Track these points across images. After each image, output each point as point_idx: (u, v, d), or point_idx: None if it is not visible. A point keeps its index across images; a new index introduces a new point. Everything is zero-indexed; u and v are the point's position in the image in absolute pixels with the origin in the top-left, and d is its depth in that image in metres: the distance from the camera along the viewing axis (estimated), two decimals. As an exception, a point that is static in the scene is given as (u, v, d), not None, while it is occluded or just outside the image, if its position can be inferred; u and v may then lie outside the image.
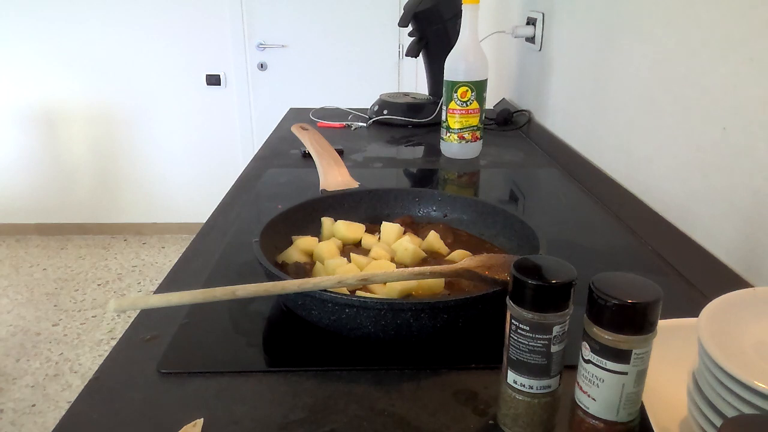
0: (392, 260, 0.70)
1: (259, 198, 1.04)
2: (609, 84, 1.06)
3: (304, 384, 0.54)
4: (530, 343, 0.44)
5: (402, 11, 1.51)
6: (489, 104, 1.79)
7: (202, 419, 0.49)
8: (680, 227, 0.81)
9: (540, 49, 1.46)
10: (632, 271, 0.44)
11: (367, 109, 1.66)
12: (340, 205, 0.82)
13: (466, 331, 0.59)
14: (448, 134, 1.27)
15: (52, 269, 3.18)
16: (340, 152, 1.28)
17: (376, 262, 0.67)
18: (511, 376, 0.46)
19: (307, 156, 1.25)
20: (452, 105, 1.24)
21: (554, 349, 0.44)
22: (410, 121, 1.54)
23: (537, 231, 0.69)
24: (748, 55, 0.67)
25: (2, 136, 3.39)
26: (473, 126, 1.26)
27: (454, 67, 1.22)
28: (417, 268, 0.58)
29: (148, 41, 3.22)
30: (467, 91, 1.22)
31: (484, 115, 1.27)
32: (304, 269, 0.68)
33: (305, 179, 1.12)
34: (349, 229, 0.77)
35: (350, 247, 0.74)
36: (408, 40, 1.55)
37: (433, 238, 0.75)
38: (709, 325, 0.41)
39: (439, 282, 0.64)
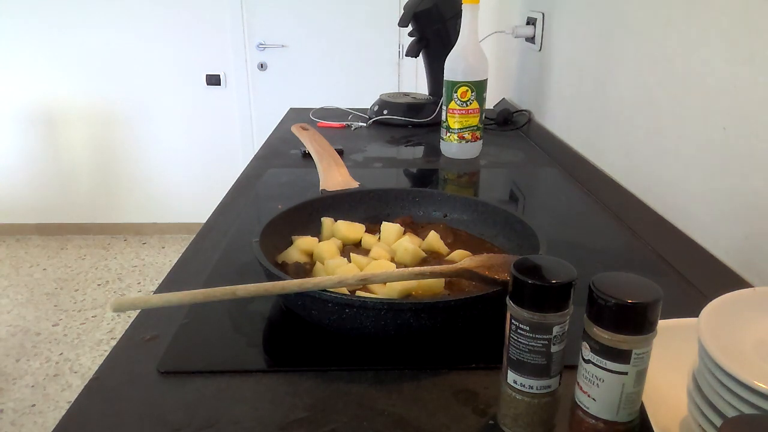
0: (392, 260, 0.70)
1: (259, 198, 1.04)
2: (609, 84, 1.06)
3: (304, 384, 0.54)
4: (530, 343, 0.44)
5: (402, 11, 1.51)
6: (489, 104, 1.79)
7: None
8: (680, 227, 0.81)
9: (540, 49, 1.46)
10: (632, 271, 0.44)
11: (367, 109, 1.66)
12: (340, 205, 0.82)
13: (466, 331, 0.59)
14: (448, 134, 1.27)
15: (52, 269, 3.17)
16: (340, 152, 1.28)
17: (376, 262, 0.67)
18: (511, 376, 0.46)
19: (307, 156, 1.25)
20: (452, 105, 1.24)
21: (554, 349, 0.44)
22: (410, 121, 1.54)
23: (537, 231, 0.69)
24: (748, 55, 0.67)
25: (2, 136, 3.39)
26: (473, 126, 1.26)
27: (454, 67, 1.22)
28: (417, 268, 0.58)
29: (148, 41, 3.22)
30: (467, 91, 1.22)
31: (484, 115, 1.27)
32: (304, 269, 0.68)
33: (305, 179, 1.12)
34: (349, 229, 0.77)
35: (350, 247, 0.74)
36: (408, 40, 1.55)
37: (433, 238, 0.75)
38: (709, 325, 0.41)
39: (439, 282, 0.64)
